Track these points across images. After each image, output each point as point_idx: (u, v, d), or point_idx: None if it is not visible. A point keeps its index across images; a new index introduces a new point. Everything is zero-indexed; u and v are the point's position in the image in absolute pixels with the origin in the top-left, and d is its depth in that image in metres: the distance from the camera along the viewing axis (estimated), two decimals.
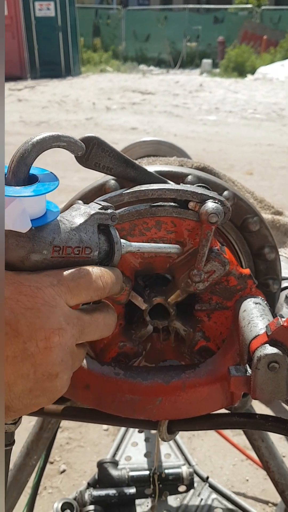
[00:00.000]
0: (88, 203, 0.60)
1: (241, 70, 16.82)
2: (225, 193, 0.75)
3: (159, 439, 1.03)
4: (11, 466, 1.23)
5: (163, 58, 20.22)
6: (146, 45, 20.81)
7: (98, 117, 9.69)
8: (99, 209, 0.57)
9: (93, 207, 0.57)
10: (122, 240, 0.59)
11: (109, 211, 0.57)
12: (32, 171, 0.50)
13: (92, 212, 0.56)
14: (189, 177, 0.74)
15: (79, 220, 0.54)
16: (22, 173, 0.49)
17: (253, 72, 16.63)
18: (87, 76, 17.01)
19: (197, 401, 0.68)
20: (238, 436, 2.37)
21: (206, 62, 17.97)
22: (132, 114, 9.97)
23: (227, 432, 2.42)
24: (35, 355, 0.46)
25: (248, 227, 0.77)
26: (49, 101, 11.69)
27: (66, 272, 0.51)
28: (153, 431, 1.85)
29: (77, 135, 0.58)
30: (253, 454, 2.14)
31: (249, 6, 20.95)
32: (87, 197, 0.75)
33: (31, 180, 0.50)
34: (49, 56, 16.45)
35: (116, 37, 21.07)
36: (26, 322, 0.46)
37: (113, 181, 0.74)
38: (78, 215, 0.55)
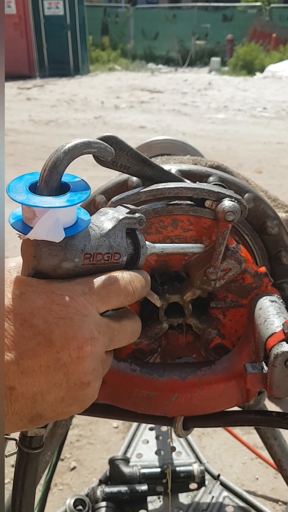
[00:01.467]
0: (110, 198, 0.61)
1: (250, 68, 16.75)
2: (246, 195, 0.76)
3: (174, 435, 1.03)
4: None
5: (172, 57, 20.18)
6: (155, 44, 20.78)
7: (106, 116, 9.69)
8: (127, 213, 0.57)
9: (121, 212, 0.57)
10: (146, 242, 0.59)
11: (136, 215, 0.57)
12: (63, 178, 0.50)
13: (121, 217, 0.56)
14: (211, 177, 0.75)
15: (108, 225, 0.54)
16: (55, 181, 0.49)
17: (262, 70, 16.55)
18: (95, 75, 17.02)
19: (213, 397, 0.69)
20: (248, 435, 2.37)
21: (215, 60, 17.91)
22: (141, 113, 9.96)
23: (237, 431, 2.43)
24: (68, 364, 0.47)
25: (267, 230, 0.77)
26: (58, 100, 11.71)
27: (97, 280, 0.51)
28: (164, 429, 1.87)
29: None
30: (263, 452, 2.14)
31: (258, 4, 20.84)
32: (109, 192, 0.76)
33: (62, 188, 0.50)
34: (58, 54, 16.48)
35: (125, 35, 21.06)
36: (60, 331, 0.46)
37: (135, 178, 0.75)
38: (107, 220, 0.55)
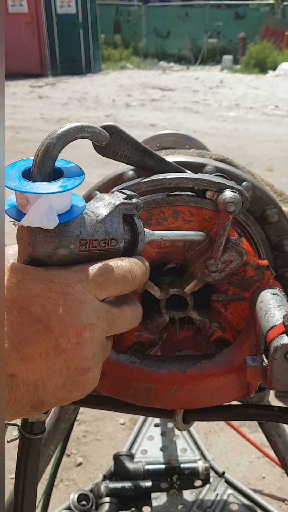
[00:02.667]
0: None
1: (262, 66, 16.64)
2: (244, 183, 0.74)
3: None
4: None
5: (184, 55, 20.11)
6: (167, 42, 20.73)
7: (117, 114, 9.69)
8: (124, 198, 0.56)
9: (118, 197, 0.56)
10: (145, 229, 0.58)
11: (133, 200, 0.56)
12: (56, 163, 0.50)
13: (117, 202, 0.55)
14: (208, 167, 0.74)
15: (104, 211, 0.54)
16: (48, 167, 0.48)
17: (274, 68, 16.43)
18: (107, 73, 17.03)
19: (213, 390, 0.68)
20: (255, 433, 2.36)
21: (227, 58, 17.82)
22: (152, 111, 9.95)
23: (244, 429, 2.41)
24: (68, 351, 0.47)
25: (267, 218, 0.76)
26: (69, 98, 11.74)
27: (94, 267, 0.51)
28: (170, 425, 1.86)
29: None
30: (270, 451, 2.12)
31: (271, 1, 20.70)
32: (105, 188, 0.75)
33: (56, 174, 0.49)
34: (69, 53, 16.51)
35: (137, 33, 21.04)
36: (58, 319, 0.46)
37: (131, 172, 0.74)
38: (103, 206, 0.54)
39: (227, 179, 0.69)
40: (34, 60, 15.78)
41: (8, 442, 0.56)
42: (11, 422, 0.59)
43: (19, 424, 0.56)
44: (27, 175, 0.48)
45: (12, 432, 0.58)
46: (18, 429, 0.56)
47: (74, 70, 16.43)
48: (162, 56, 20.25)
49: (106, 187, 0.75)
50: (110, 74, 16.87)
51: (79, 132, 0.50)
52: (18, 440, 0.58)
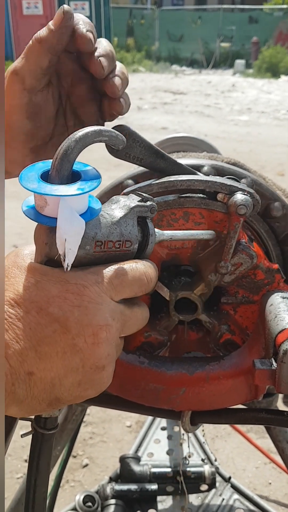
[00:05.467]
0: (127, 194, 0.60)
1: (275, 70, 16.59)
2: (243, 180, 0.74)
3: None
4: None
5: (196, 58, 20.12)
6: (179, 45, 20.74)
7: (129, 117, 9.71)
8: (139, 201, 0.57)
9: (133, 199, 0.57)
10: (155, 230, 0.59)
11: (148, 203, 0.57)
12: (74, 166, 0.51)
13: (132, 205, 0.56)
14: (205, 167, 0.74)
15: (119, 213, 0.55)
16: (66, 170, 0.49)
17: (287, 73, 16.39)
18: None
19: (221, 393, 0.68)
20: (262, 439, 2.34)
21: (240, 62, 17.81)
22: (163, 114, 9.96)
23: (251, 435, 2.40)
24: (84, 350, 0.48)
25: (271, 213, 0.76)
26: None
27: (110, 269, 0.52)
28: (176, 429, 1.85)
29: None
30: (277, 457, 2.11)
31: (285, 6, 20.65)
32: (106, 197, 0.76)
33: (74, 176, 0.50)
34: None
35: (150, 37, 21.08)
36: (75, 319, 0.48)
37: (130, 181, 0.75)
38: (118, 208, 0.55)
39: (239, 181, 0.69)
40: None
41: (22, 436, 0.58)
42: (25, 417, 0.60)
43: (33, 420, 0.57)
44: (46, 177, 0.50)
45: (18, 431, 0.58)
46: (31, 424, 0.57)
47: None
48: (174, 60, 20.26)
49: (105, 197, 0.76)
50: None
51: (97, 136, 0.50)
52: (17, 437, 0.59)
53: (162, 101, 11.50)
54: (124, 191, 0.69)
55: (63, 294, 0.48)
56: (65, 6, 0.63)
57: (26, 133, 0.67)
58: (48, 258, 0.50)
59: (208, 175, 0.70)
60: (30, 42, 0.65)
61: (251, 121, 9.56)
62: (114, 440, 2.46)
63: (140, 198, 0.58)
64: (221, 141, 7.71)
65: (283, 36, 19.07)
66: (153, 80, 15.79)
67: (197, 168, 0.73)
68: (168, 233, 0.62)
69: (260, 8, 20.88)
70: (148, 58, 20.01)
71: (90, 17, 16.05)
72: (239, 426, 2.18)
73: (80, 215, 0.50)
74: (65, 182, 0.49)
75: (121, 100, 0.69)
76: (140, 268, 0.54)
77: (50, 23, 0.64)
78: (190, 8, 24.43)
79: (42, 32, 0.64)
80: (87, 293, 0.49)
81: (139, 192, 0.59)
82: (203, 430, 1.68)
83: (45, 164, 0.52)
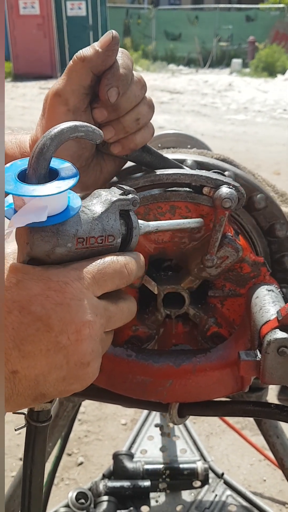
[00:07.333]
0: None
1: (271, 70, 16.60)
2: (226, 173, 0.74)
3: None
4: None
5: (193, 58, 20.11)
6: (176, 45, 20.72)
7: None
8: (120, 194, 0.57)
9: (114, 193, 0.57)
10: (140, 221, 0.59)
11: (130, 196, 0.57)
12: (52, 163, 0.50)
13: (114, 199, 0.56)
14: (188, 161, 0.74)
15: (100, 208, 0.54)
16: (43, 168, 0.49)
17: (283, 72, 16.39)
18: None
19: (207, 385, 0.69)
20: (256, 436, 2.35)
21: (236, 61, 17.80)
22: (160, 113, 9.96)
23: (246, 432, 2.40)
24: (67, 347, 0.49)
25: (254, 205, 0.76)
26: None
27: (91, 264, 0.52)
28: (170, 426, 1.86)
29: None
30: (271, 454, 2.12)
31: (281, 5, 20.66)
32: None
33: (51, 174, 0.50)
34: None
35: (146, 36, 21.07)
36: (57, 317, 0.48)
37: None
38: (99, 203, 0.55)
39: (224, 175, 0.70)
40: (45, 62, 15.84)
41: (16, 430, 0.59)
42: (18, 411, 0.61)
43: (26, 413, 0.58)
44: (23, 176, 0.50)
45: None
46: (25, 417, 0.58)
47: None
48: (171, 59, 20.24)
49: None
50: None
51: (73, 132, 0.50)
52: (12, 436, 0.59)
53: (159, 101, 11.49)
54: (109, 183, 0.70)
55: (45, 292, 0.48)
56: (114, 31, 0.63)
57: (72, 155, 0.66)
58: (30, 257, 0.50)
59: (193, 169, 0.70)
60: (71, 62, 0.64)
61: (247, 120, 9.57)
62: (109, 438, 2.46)
63: (122, 191, 0.58)
64: (218, 140, 7.72)
65: (279, 36, 19.09)
66: (150, 79, 15.77)
67: (181, 163, 0.73)
68: (153, 224, 0.62)
69: (256, 7, 20.88)
70: (145, 58, 19.99)
71: (86, 17, 16.06)
72: (234, 424, 2.18)
73: (60, 212, 0.50)
74: (42, 180, 0.49)
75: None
76: (120, 261, 0.54)
77: (96, 44, 0.63)
78: (187, 7, 24.42)
79: (86, 51, 0.63)
80: (69, 290, 0.49)
81: (121, 185, 0.59)
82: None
83: (23, 163, 0.51)
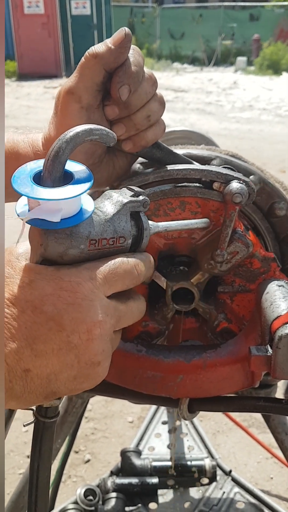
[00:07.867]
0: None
1: (276, 68, 16.54)
2: (251, 177, 0.75)
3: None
4: None
5: (197, 56, 20.06)
6: (181, 43, 20.68)
7: None
8: (131, 196, 0.58)
9: (125, 195, 0.58)
10: (150, 222, 0.59)
11: (140, 197, 0.58)
12: (67, 166, 0.51)
13: (125, 201, 0.56)
14: (215, 160, 0.74)
15: (112, 210, 0.55)
16: (58, 171, 0.50)
17: None
18: None
19: (218, 380, 0.69)
20: (263, 434, 2.35)
21: (241, 59, 17.75)
22: (165, 112, 9.92)
23: (253, 429, 2.40)
24: (78, 346, 0.49)
25: (274, 212, 0.77)
26: None
27: (102, 265, 0.53)
28: (177, 423, 1.86)
29: None
30: (278, 452, 2.11)
31: (286, 3, 20.59)
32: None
33: (66, 177, 0.51)
34: (84, 54, 16.54)
35: (151, 35, 21.03)
36: (69, 317, 0.49)
37: (138, 165, 0.75)
38: (111, 205, 0.56)
39: (235, 170, 0.70)
40: (49, 61, 15.84)
41: (24, 425, 0.60)
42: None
43: (34, 409, 0.59)
44: (38, 179, 0.50)
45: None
46: (33, 413, 0.59)
47: None
48: (176, 58, 20.21)
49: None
50: None
51: (88, 135, 0.51)
52: (19, 434, 0.60)
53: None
54: (121, 181, 0.70)
55: (57, 292, 0.49)
56: (126, 28, 0.63)
57: (85, 152, 0.66)
58: (44, 258, 0.51)
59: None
60: (83, 59, 0.64)
61: (252, 118, 9.54)
62: (116, 435, 2.47)
63: (133, 192, 0.58)
64: (223, 138, 7.70)
65: (284, 33, 19.02)
66: None
67: (209, 161, 0.74)
68: (162, 224, 0.62)
69: (261, 5, 20.81)
70: (149, 56, 19.96)
71: (91, 16, 16.05)
72: (241, 421, 2.18)
73: (74, 215, 0.51)
74: (57, 183, 0.49)
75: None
76: (131, 262, 0.55)
77: (108, 41, 0.63)
78: (191, 5, 24.37)
79: (99, 48, 0.63)
80: (81, 290, 0.50)
81: (131, 187, 0.59)
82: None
83: (37, 165, 0.52)
